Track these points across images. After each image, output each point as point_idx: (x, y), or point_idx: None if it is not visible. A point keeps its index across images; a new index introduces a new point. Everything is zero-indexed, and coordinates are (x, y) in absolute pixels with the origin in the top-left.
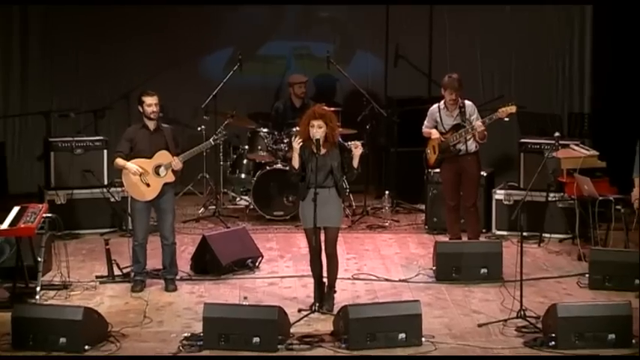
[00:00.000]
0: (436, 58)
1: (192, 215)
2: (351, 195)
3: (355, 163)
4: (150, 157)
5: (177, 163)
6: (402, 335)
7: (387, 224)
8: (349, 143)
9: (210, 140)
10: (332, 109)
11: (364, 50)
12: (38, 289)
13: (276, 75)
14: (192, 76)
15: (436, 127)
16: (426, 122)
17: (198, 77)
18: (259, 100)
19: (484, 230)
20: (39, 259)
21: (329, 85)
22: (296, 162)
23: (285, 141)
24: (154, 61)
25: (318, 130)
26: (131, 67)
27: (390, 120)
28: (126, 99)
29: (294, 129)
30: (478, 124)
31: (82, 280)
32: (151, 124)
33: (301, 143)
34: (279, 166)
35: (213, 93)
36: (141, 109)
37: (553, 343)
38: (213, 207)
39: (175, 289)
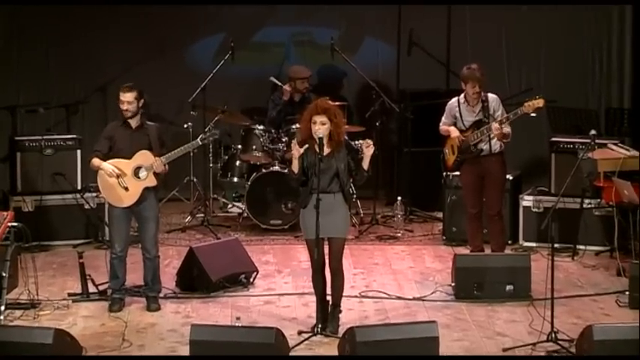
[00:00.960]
0: (455, 45)
1: (178, 224)
2: (358, 201)
3: (365, 164)
4: (129, 158)
5: (159, 164)
6: None
7: (399, 235)
8: (358, 142)
9: (198, 140)
10: (337, 103)
11: (374, 37)
12: (2, 308)
13: (273, 65)
14: (178, 66)
15: (455, 124)
16: (443, 118)
17: (184, 68)
18: (254, 93)
19: (510, 242)
20: (3, 274)
21: (333, 76)
22: (296, 167)
23: (284, 140)
24: (134, 49)
25: (321, 127)
26: (108, 56)
27: (403, 116)
28: (102, 92)
29: (293, 126)
30: (495, 126)
31: (52, 299)
32: (133, 121)
33: (302, 151)
34: (276, 168)
35: (202, 85)
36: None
37: None
38: (202, 215)
39: (158, 309)
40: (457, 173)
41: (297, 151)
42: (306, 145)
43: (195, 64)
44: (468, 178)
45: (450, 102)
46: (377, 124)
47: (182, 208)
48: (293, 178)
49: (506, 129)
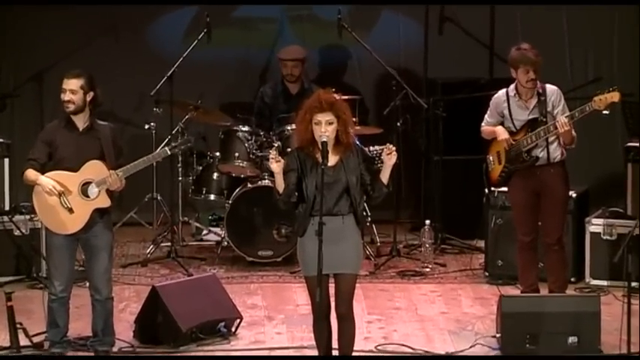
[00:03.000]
0: (501, 21)
1: (137, 256)
2: (374, 226)
3: (385, 177)
4: (76, 170)
5: (114, 179)
6: None
7: (427, 270)
8: (375, 148)
9: (166, 149)
10: (345, 97)
11: (394, 11)
12: None
13: (261, 47)
14: (136, 49)
15: (503, 124)
16: (487, 117)
17: (144, 51)
18: (237, 84)
19: (573, 279)
20: None
21: (341, 61)
22: (280, 184)
23: (276, 145)
24: (79, 28)
25: (327, 129)
26: (45, 36)
27: (433, 114)
28: (37, 83)
29: (288, 127)
30: (562, 120)
31: None
32: (80, 121)
33: (281, 164)
34: (266, 182)
35: (168, 74)
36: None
37: None
38: (168, 244)
39: None
40: (505, 189)
41: (276, 162)
42: (289, 149)
43: (159, 47)
44: (520, 195)
45: (495, 95)
46: (398, 124)
47: (143, 234)
48: (279, 199)
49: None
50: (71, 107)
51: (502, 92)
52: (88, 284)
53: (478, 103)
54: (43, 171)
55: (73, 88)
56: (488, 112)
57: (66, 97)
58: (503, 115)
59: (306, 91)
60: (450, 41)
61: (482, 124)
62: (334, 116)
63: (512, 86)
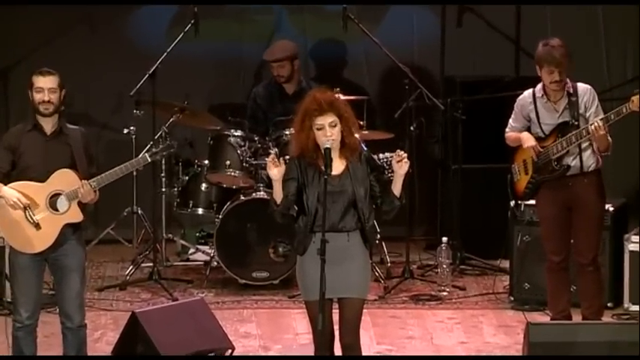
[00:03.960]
0: (529, 13)
1: (115, 278)
2: (384, 244)
3: (397, 188)
4: (43, 180)
5: (86, 190)
6: None
7: (444, 294)
8: (385, 156)
9: (146, 155)
10: (350, 97)
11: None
12: None
13: (256, 41)
14: (114, 43)
15: (530, 129)
16: (511, 121)
17: (123, 46)
18: (228, 82)
19: (610, 304)
20: None
21: (346, 57)
22: (278, 193)
23: (272, 151)
24: (50, 19)
25: (331, 131)
26: (12, 29)
27: (451, 116)
28: (1, 81)
29: (286, 132)
30: (596, 123)
31: None
32: (48, 124)
33: (282, 169)
34: (260, 194)
35: (150, 71)
36: (31, 98)
37: None
38: (150, 265)
39: None
40: (532, 202)
41: (275, 167)
42: (287, 157)
43: (140, 41)
44: (549, 209)
45: (520, 97)
46: (411, 128)
47: (121, 254)
48: (276, 210)
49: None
50: (51, 109)
51: (528, 93)
52: (58, 310)
53: (502, 105)
54: (6, 181)
55: (52, 87)
56: (512, 115)
57: (46, 97)
58: (529, 118)
59: (304, 91)
60: (470, 34)
61: (507, 129)
62: (336, 117)
63: (539, 86)
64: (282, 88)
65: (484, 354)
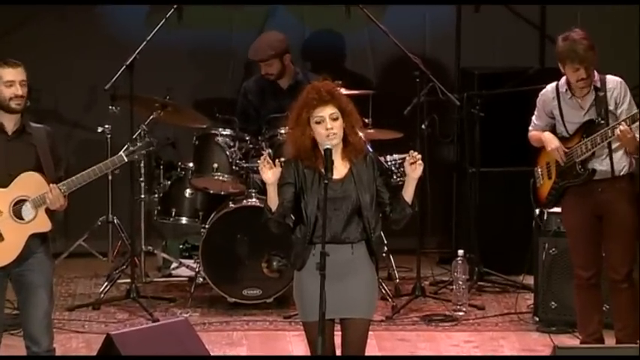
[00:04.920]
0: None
1: (87, 296)
2: (391, 257)
3: (408, 194)
4: (6, 185)
5: (56, 195)
6: None
7: (460, 314)
8: (394, 158)
9: (122, 154)
10: (353, 92)
11: None
12: None
13: (248, 28)
14: (86, 31)
15: (553, 129)
16: (534, 118)
17: (97, 33)
18: (216, 75)
19: None
20: None
21: (349, 47)
22: (273, 199)
23: (266, 152)
24: (14, 5)
25: (332, 124)
26: None
27: (468, 113)
28: None
29: (281, 130)
30: (622, 127)
31: None
32: (10, 122)
33: (277, 171)
34: (252, 201)
35: (127, 62)
36: None
37: None
38: (127, 281)
39: None
40: (557, 210)
41: (269, 169)
42: (282, 159)
43: (116, 28)
44: (575, 218)
45: (542, 92)
46: (423, 126)
47: (94, 268)
48: (270, 219)
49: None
50: (23, 104)
51: (551, 88)
52: (22, 333)
53: (525, 100)
54: None
55: (23, 79)
56: (535, 112)
57: (18, 91)
58: (553, 115)
59: (301, 84)
60: (489, 21)
61: (530, 127)
62: (337, 109)
63: (563, 79)
64: (276, 82)
65: None
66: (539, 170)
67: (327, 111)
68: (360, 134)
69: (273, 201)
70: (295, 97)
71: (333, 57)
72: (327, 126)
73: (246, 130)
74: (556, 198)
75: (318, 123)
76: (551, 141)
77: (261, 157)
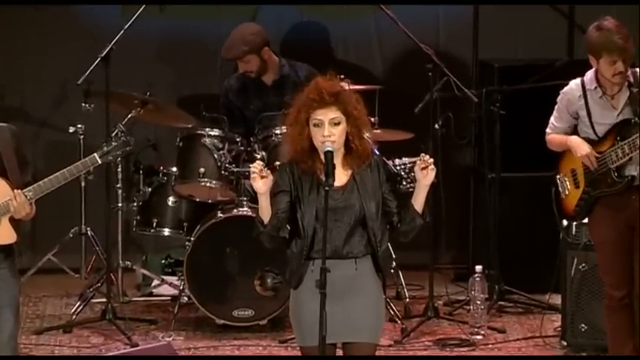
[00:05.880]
0: None
1: (58, 318)
2: (400, 273)
3: (419, 203)
4: None
5: (21, 202)
6: None
7: (479, 337)
8: (403, 162)
9: (95, 156)
10: (358, 87)
11: None
12: None
13: (237, 18)
14: (59, 20)
15: (575, 131)
16: (553, 120)
17: (70, 22)
18: (202, 69)
19: None
20: None
21: (353, 37)
22: (265, 209)
23: (259, 155)
24: None
25: (332, 131)
26: None
27: (487, 111)
28: None
29: (276, 130)
30: None
31: None
32: None
33: (268, 180)
34: (243, 210)
35: (102, 54)
36: None
37: None
38: (103, 300)
39: None
40: (585, 221)
41: (260, 180)
42: (277, 163)
43: (90, 17)
44: (607, 232)
45: (565, 89)
46: (436, 126)
47: (65, 286)
48: (263, 232)
49: None
50: None
51: (575, 85)
52: None
53: (552, 96)
54: None
55: None
56: (555, 112)
57: None
58: (577, 116)
59: (288, 78)
60: (510, 8)
61: (548, 129)
62: (342, 113)
63: (589, 75)
64: (259, 78)
65: None
66: (564, 178)
67: (329, 115)
68: (367, 137)
69: (265, 212)
70: (282, 93)
71: (333, 48)
72: (325, 133)
73: (235, 130)
74: (586, 209)
75: (316, 126)
76: (579, 146)
77: (254, 165)
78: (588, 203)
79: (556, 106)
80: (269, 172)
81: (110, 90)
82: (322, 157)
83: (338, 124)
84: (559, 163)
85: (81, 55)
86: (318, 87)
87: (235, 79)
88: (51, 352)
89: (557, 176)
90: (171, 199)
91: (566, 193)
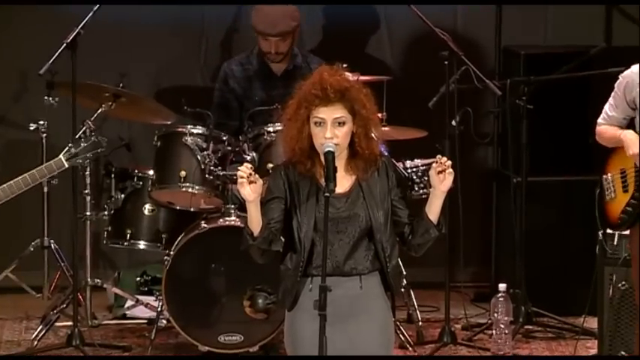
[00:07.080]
0: None
1: (17, 344)
2: (412, 293)
3: (434, 212)
4: None
5: None
6: None
7: None
8: (416, 164)
9: (62, 158)
10: (365, 77)
11: None
12: None
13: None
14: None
15: (631, 125)
16: (607, 108)
17: (30, 5)
18: (183, 57)
19: None
20: None
21: (361, 23)
22: (256, 220)
23: (249, 156)
24: None
25: (333, 132)
26: None
27: (512, 105)
28: None
29: (269, 128)
30: None
31: None
32: None
33: (258, 188)
34: (230, 220)
35: (68, 39)
36: None
37: None
38: (69, 324)
39: None
40: (627, 232)
41: (248, 187)
42: (270, 165)
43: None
44: None
45: (625, 73)
46: (453, 123)
47: (26, 307)
48: (253, 245)
49: None
50: None
51: (637, 69)
52: None
53: (586, 88)
54: None
55: None
56: (610, 99)
57: None
58: (635, 105)
59: (300, 70)
60: None
61: (600, 119)
62: (348, 112)
63: None
64: (267, 65)
65: None
66: (611, 179)
67: (332, 113)
68: (375, 138)
69: (255, 222)
70: (290, 86)
71: (338, 34)
72: (327, 134)
73: (225, 127)
74: (633, 218)
75: (317, 125)
76: (633, 142)
77: (241, 168)
78: (636, 211)
79: (612, 92)
80: (258, 176)
81: (77, 81)
82: (323, 159)
83: (343, 124)
84: (607, 161)
85: (43, 41)
86: (323, 82)
87: (237, 65)
88: None
89: (604, 176)
90: (147, 207)
91: (612, 196)
